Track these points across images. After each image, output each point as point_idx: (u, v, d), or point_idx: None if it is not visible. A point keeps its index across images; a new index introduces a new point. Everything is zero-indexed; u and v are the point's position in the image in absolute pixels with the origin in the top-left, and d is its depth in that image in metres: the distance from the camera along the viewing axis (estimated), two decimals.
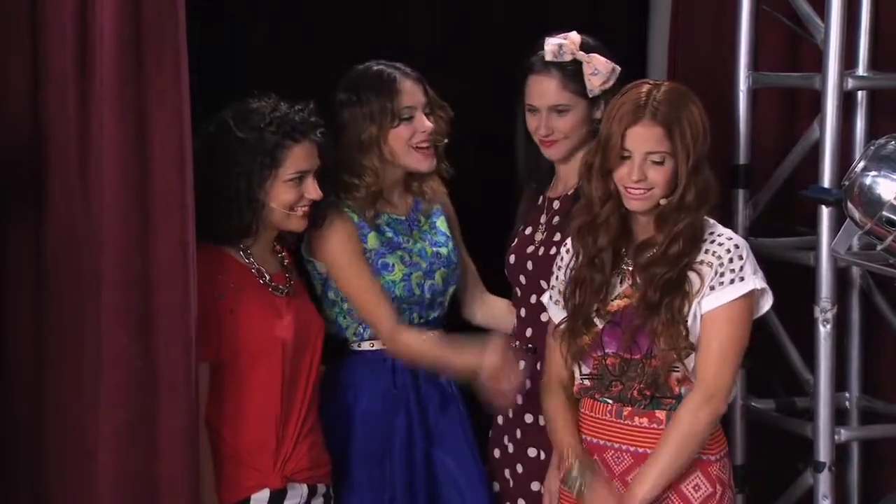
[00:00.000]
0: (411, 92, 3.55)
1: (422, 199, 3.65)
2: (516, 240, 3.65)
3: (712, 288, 3.08)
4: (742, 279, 3.08)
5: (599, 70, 3.46)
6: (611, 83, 3.47)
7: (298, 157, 3.34)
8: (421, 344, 3.49)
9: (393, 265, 3.55)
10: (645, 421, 3.15)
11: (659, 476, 3.10)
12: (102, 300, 3.01)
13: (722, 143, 3.61)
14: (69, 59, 3.01)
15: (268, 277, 3.39)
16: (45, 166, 3.05)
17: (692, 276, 3.10)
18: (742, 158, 3.90)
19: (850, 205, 3.28)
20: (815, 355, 3.70)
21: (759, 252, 3.82)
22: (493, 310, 3.79)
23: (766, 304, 3.16)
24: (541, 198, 3.64)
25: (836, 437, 3.71)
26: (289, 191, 3.34)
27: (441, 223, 3.68)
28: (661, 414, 3.13)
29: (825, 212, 3.65)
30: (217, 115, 3.33)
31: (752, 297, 3.11)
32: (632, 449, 3.17)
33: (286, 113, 3.33)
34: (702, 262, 3.10)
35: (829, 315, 3.65)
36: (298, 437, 3.37)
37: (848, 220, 3.38)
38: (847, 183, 3.29)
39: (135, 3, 2.96)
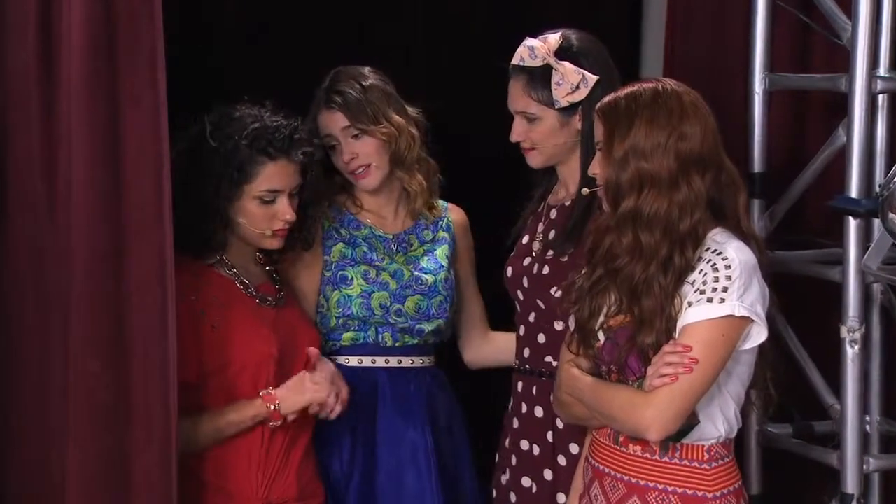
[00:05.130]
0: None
1: (426, 222, 3.56)
2: (515, 249, 3.49)
3: (690, 304, 2.88)
4: (722, 300, 2.85)
5: (565, 80, 3.29)
6: (581, 95, 3.30)
7: (272, 175, 3.23)
8: None
9: (352, 279, 3.46)
10: (639, 449, 2.98)
11: (572, 380, 3.02)
12: (71, 323, 2.87)
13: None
14: (31, 60, 2.88)
15: (253, 289, 3.27)
16: (6, 176, 2.92)
17: (679, 296, 2.92)
18: (757, 166, 3.72)
19: (887, 217, 3.10)
20: (841, 379, 3.51)
21: (776, 266, 3.64)
22: (497, 344, 3.66)
23: (759, 337, 2.91)
24: (542, 204, 3.49)
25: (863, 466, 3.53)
26: (258, 208, 3.24)
27: (441, 252, 3.56)
28: (655, 444, 2.95)
29: (852, 224, 3.44)
30: (202, 115, 3.22)
31: (736, 323, 2.87)
32: (625, 478, 2.99)
33: (268, 127, 3.22)
34: (692, 282, 2.90)
35: (857, 335, 3.46)
36: (285, 460, 3.23)
37: (882, 232, 3.25)
38: (885, 193, 3.12)
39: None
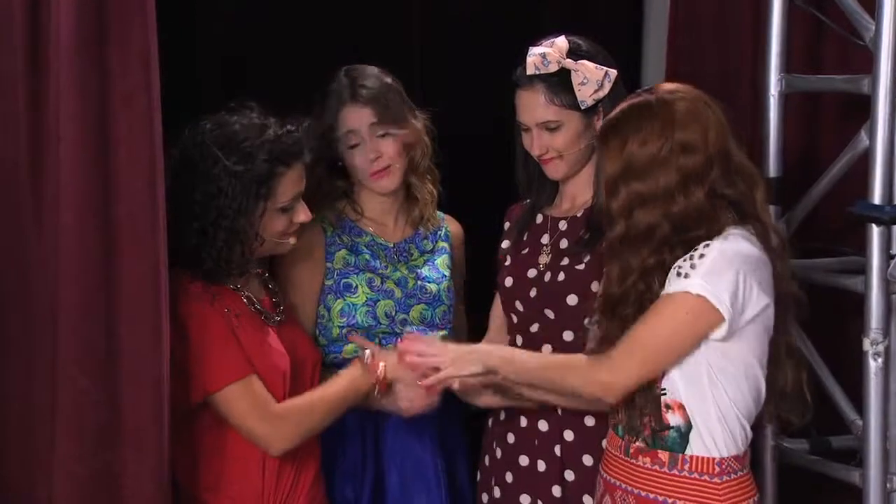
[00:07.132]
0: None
1: (424, 231, 3.49)
2: (510, 260, 3.41)
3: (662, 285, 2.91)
4: (686, 276, 2.84)
5: (589, 78, 3.24)
6: (605, 91, 3.25)
7: (290, 184, 3.14)
8: None
9: (356, 287, 3.39)
10: (647, 461, 2.95)
11: (507, 363, 3.06)
12: (58, 336, 2.80)
13: None
14: (18, 58, 2.81)
15: (258, 304, 3.18)
16: None
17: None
18: (773, 171, 3.62)
19: None
20: (864, 393, 3.41)
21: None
22: None
23: (719, 332, 2.87)
24: (540, 216, 3.41)
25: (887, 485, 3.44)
26: (279, 218, 3.15)
27: (441, 262, 3.49)
28: (663, 455, 2.95)
29: (875, 231, 3.34)
30: (192, 129, 3.10)
31: (694, 302, 2.84)
32: (635, 491, 2.97)
33: (278, 136, 3.10)
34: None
35: (881, 348, 3.36)
36: (294, 485, 3.14)
37: None
38: None
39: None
